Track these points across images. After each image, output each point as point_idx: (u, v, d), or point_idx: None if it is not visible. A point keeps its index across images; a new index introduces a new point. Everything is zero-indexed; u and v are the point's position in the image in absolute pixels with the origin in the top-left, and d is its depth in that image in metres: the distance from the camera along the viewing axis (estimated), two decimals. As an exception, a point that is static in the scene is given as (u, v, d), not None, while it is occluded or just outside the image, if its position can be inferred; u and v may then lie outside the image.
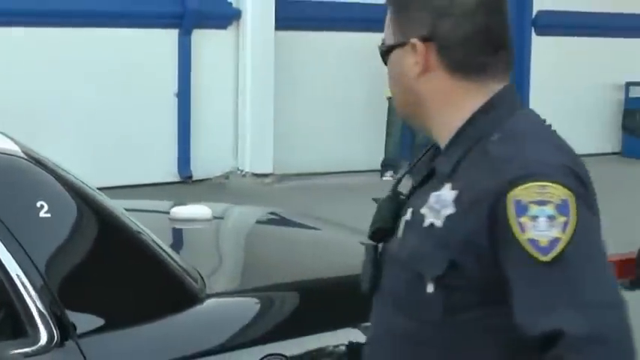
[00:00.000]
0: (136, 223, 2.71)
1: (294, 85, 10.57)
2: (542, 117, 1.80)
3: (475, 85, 1.75)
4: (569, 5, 12.22)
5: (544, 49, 12.27)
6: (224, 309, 2.73)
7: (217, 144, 10.11)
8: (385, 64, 1.83)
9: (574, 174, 1.65)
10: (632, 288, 5.41)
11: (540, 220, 1.58)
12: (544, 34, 12.37)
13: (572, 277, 1.57)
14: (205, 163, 10.04)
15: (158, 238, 2.75)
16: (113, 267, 2.58)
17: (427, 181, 1.78)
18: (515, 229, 1.59)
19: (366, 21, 11.03)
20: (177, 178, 9.99)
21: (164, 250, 2.72)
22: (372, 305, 1.88)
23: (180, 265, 2.71)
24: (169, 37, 9.93)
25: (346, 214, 5.22)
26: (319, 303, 2.91)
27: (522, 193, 1.60)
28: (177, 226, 3.60)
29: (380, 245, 1.84)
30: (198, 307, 2.64)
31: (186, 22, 9.96)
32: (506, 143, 1.68)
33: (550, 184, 1.60)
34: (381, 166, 10.76)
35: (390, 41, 1.81)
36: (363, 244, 1.87)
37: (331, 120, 10.89)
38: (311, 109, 10.75)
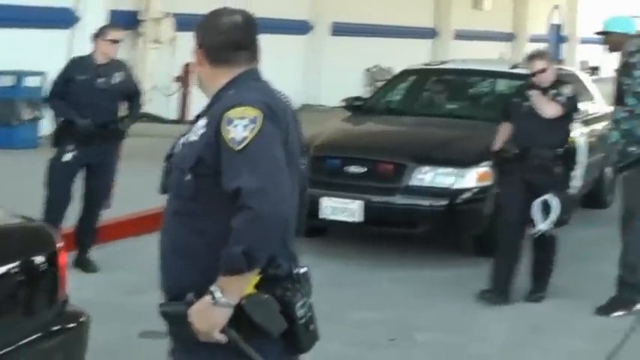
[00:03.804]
0: None
1: None
2: None
3: (223, 71, 2.94)
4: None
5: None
6: None
7: None
8: None
9: (266, 104, 2.81)
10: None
11: (238, 127, 2.72)
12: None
13: (252, 160, 2.70)
14: None
15: None
16: None
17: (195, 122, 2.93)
18: (224, 133, 2.73)
19: None
20: None
21: None
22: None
23: None
24: None
25: None
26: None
27: (231, 113, 2.75)
28: None
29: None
30: None
31: None
32: (234, 93, 2.85)
33: (248, 107, 2.76)
34: None
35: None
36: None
37: None
38: None
